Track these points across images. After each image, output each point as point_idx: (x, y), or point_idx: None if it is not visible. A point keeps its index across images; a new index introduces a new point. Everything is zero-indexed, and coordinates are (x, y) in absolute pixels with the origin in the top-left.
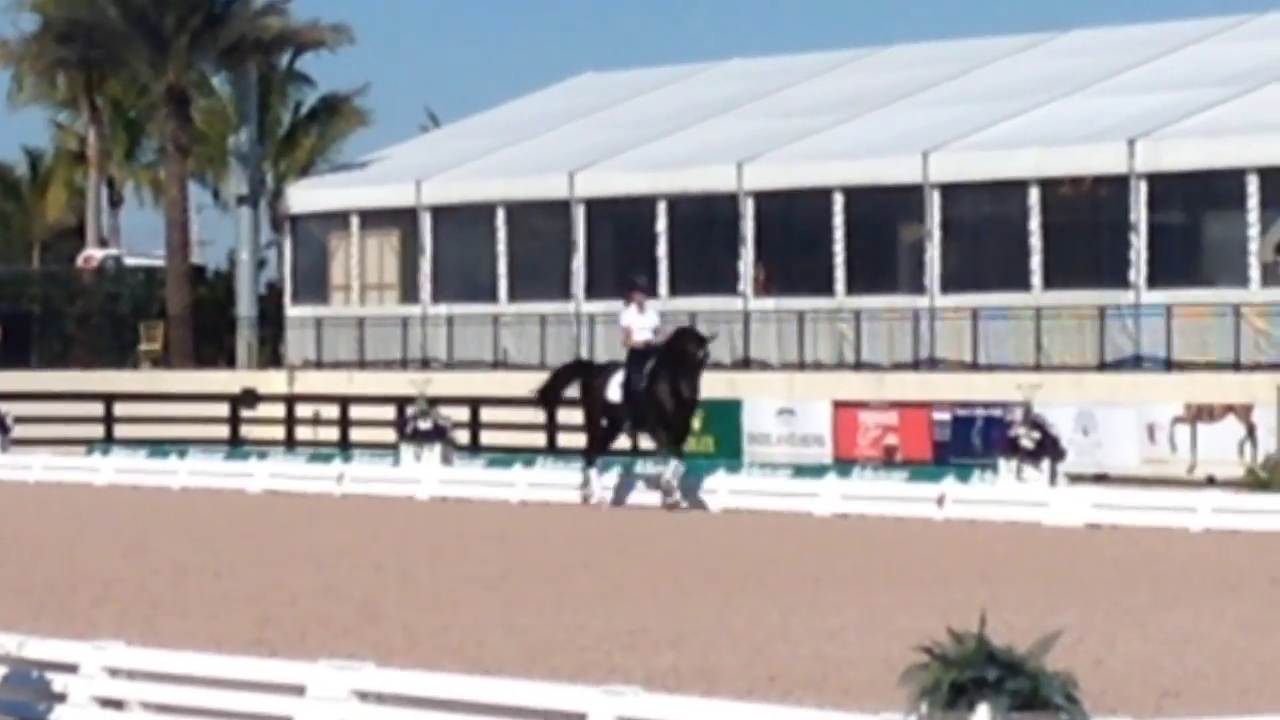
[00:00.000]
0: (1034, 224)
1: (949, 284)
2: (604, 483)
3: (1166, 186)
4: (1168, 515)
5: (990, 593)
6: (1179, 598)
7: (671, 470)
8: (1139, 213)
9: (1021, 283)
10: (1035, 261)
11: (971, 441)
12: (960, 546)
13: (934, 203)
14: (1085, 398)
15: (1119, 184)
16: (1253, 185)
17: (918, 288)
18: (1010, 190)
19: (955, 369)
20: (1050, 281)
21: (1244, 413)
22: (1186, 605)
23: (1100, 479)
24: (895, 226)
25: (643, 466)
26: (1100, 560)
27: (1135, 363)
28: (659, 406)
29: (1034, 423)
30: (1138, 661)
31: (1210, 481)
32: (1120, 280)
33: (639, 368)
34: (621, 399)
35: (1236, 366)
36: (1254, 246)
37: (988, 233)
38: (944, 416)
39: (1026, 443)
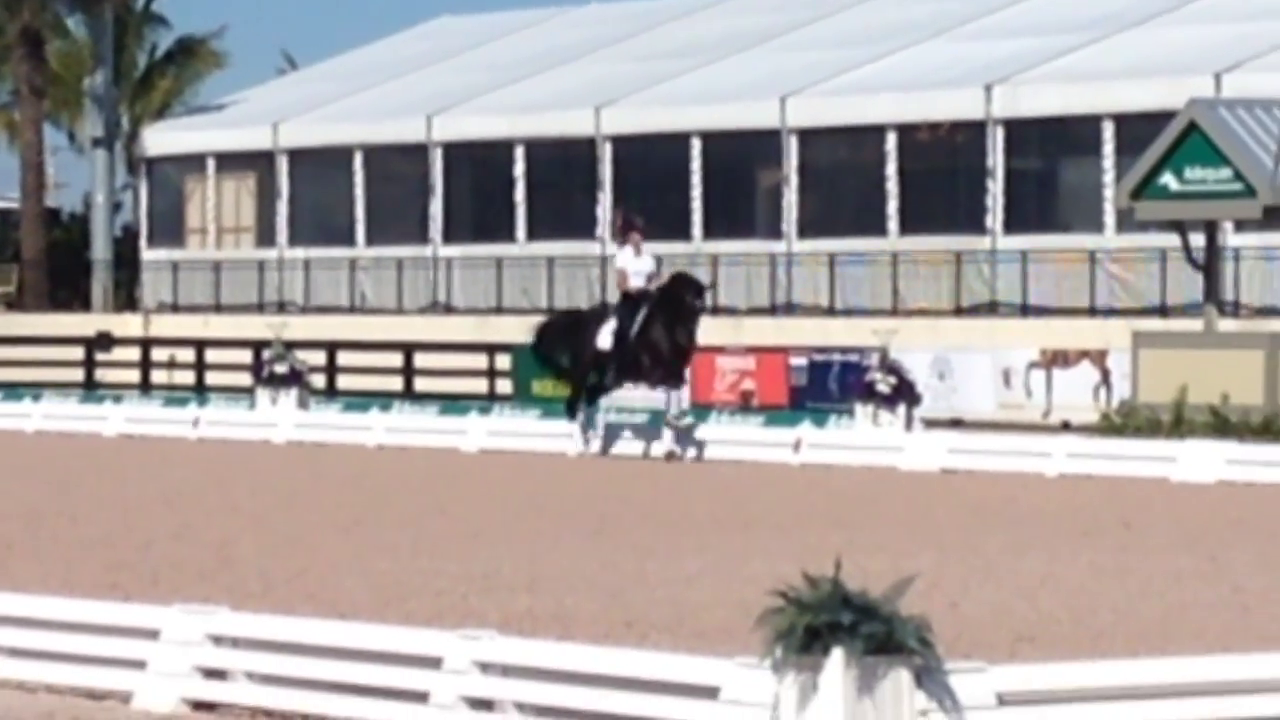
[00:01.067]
0: (891, 169)
1: (806, 229)
2: (593, 430)
3: (1023, 132)
4: (1022, 460)
5: (846, 537)
6: (1033, 542)
7: (675, 405)
8: (995, 159)
9: (878, 228)
10: (892, 207)
11: (828, 386)
12: (816, 491)
13: (791, 148)
14: (941, 343)
15: (976, 130)
16: (1108, 131)
17: (775, 233)
18: (867, 135)
19: (812, 314)
20: (907, 227)
21: (1099, 358)
22: (1040, 550)
23: (956, 424)
24: (753, 171)
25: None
26: (955, 505)
27: (991, 308)
28: (653, 351)
29: (890, 368)
30: (992, 606)
31: (1065, 427)
32: (977, 226)
33: (631, 314)
34: (612, 346)
35: (1092, 312)
36: (1109, 193)
37: (845, 178)
38: (800, 362)
39: (883, 388)
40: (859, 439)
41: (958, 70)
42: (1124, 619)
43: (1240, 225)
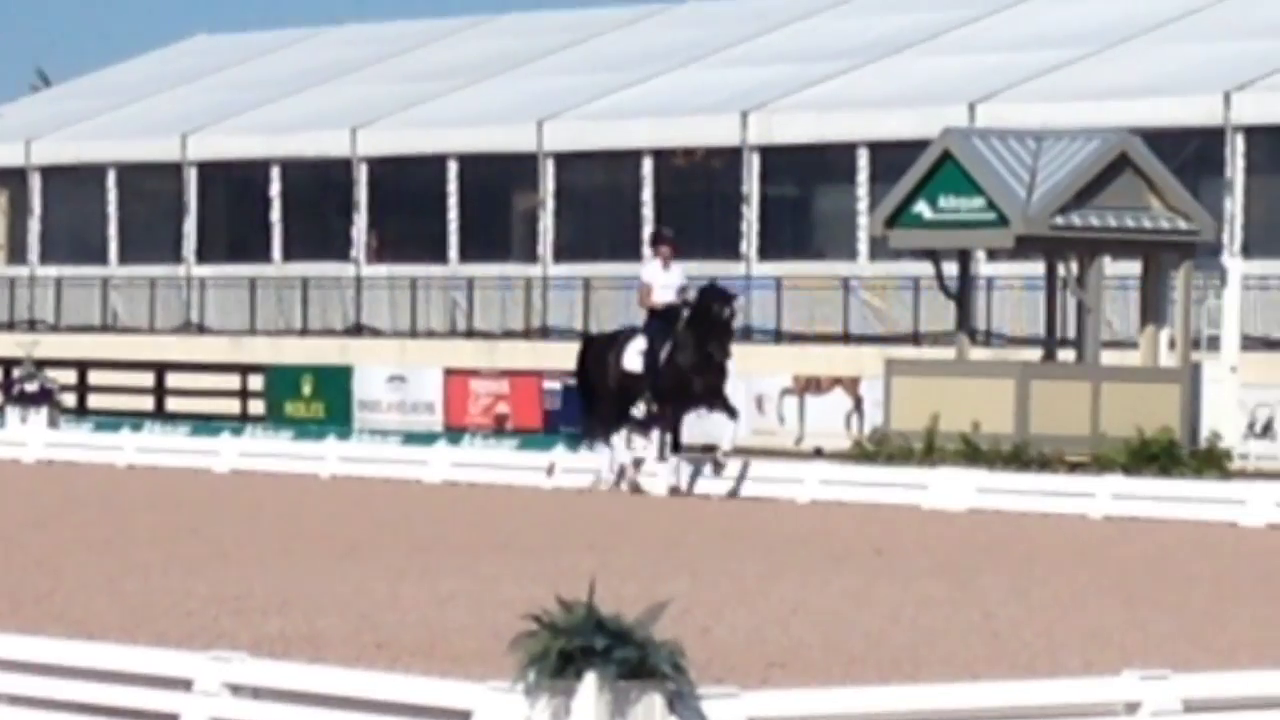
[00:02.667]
0: (647, 194)
1: (562, 253)
2: (616, 458)
3: (778, 159)
4: (775, 486)
5: (599, 561)
6: (786, 568)
7: (729, 438)
8: (751, 185)
9: (634, 253)
10: (647, 231)
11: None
12: (569, 515)
13: (548, 172)
14: None
15: (732, 156)
16: (863, 159)
17: (531, 256)
18: (624, 160)
19: (567, 338)
20: None
21: (852, 385)
22: (793, 576)
23: (709, 449)
24: (509, 195)
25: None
26: (708, 530)
27: (745, 334)
28: (683, 375)
29: None
30: (744, 631)
31: (818, 453)
32: (732, 252)
33: (662, 332)
34: (643, 368)
35: (845, 339)
36: (863, 220)
37: (601, 202)
38: (555, 385)
39: (636, 412)
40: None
41: (714, 96)
42: (876, 645)
43: (993, 254)
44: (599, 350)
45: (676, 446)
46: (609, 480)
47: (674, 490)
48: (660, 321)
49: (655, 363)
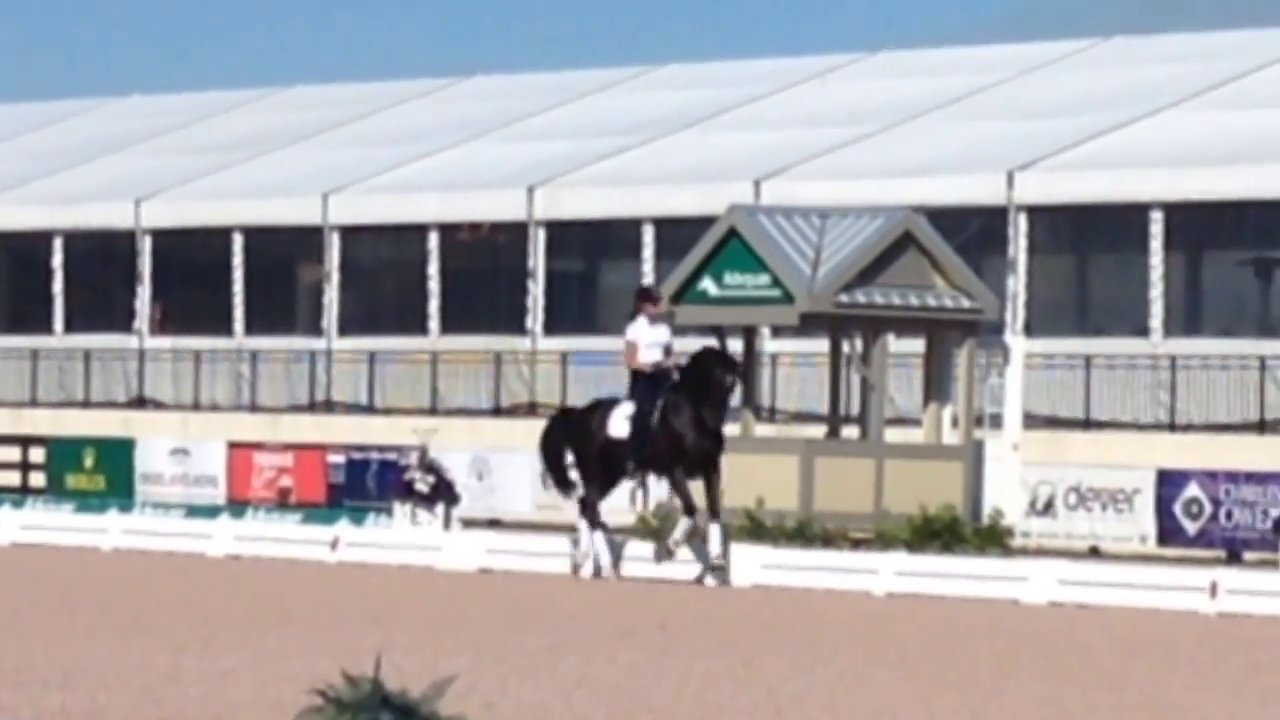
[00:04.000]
0: (433, 268)
1: (347, 326)
2: (597, 544)
3: (564, 234)
4: (560, 561)
5: (384, 636)
6: (570, 643)
7: (715, 540)
8: (537, 259)
9: (419, 327)
10: (433, 306)
11: (367, 485)
12: (354, 589)
13: (334, 244)
14: (480, 443)
15: (518, 230)
16: (649, 235)
17: (315, 330)
18: (410, 234)
19: (351, 412)
20: (448, 326)
21: None
22: (578, 650)
23: (494, 524)
24: (295, 267)
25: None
26: (493, 605)
27: (530, 409)
28: (677, 441)
29: (429, 467)
30: (529, 706)
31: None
32: (517, 326)
33: (649, 394)
34: (629, 433)
35: None
36: None
37: (386, 276)
38: (339, 459)
39: (421, 487)
40: (397, 538)
41: (501, 171)
42: None
43: (777, 331)
44: (579, 420)
45: (690, 509)
46: (608, 565)
47: (713, 569)
48: (648, 383)
49: (645, 427)
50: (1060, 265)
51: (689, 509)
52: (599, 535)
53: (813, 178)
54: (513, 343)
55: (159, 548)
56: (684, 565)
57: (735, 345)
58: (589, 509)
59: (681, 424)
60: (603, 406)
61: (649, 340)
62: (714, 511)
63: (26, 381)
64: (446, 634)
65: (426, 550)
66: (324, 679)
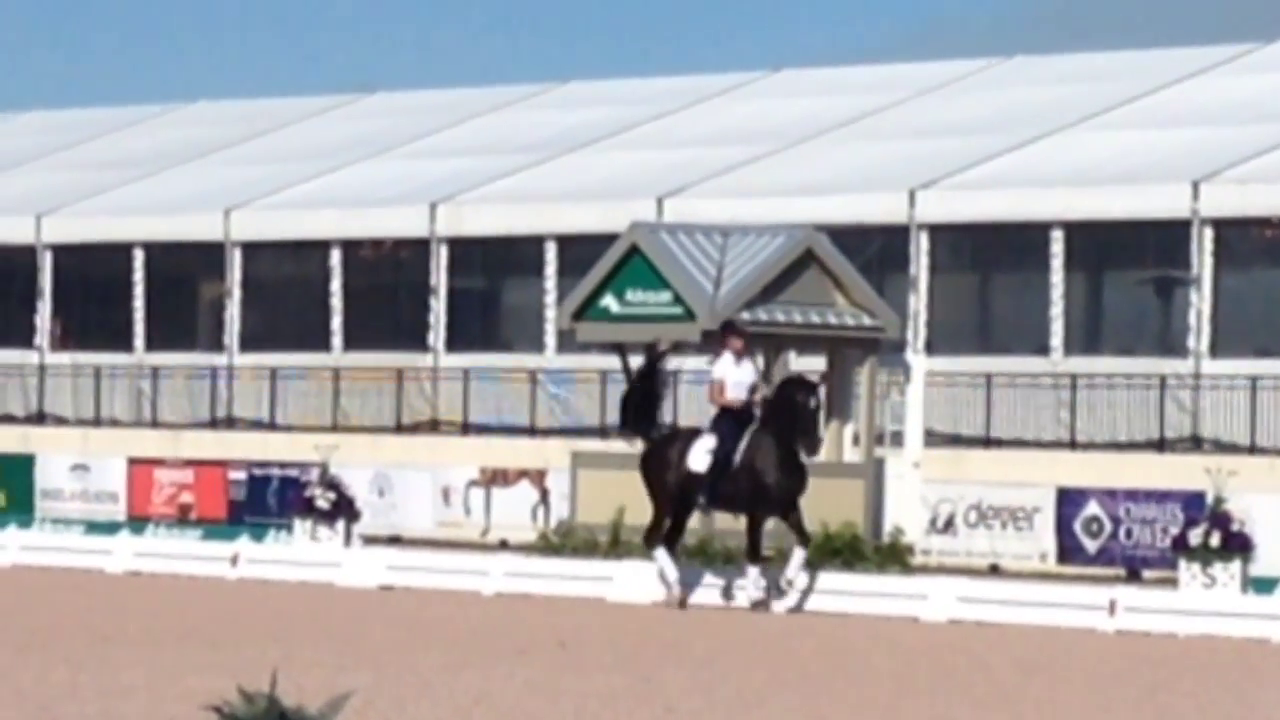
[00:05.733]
0: (335, 285)
1: (248, 343)
2: (672, 575)
3: (466, 251)
4: (461, 578)
5: (282, 653)
6: (470, 660)
7: (795, 564)
8: (439, 277)
9: (321, 343)
10: (336, 322)
11: (267, 501)
12: (253, 606)
13: (235, 261)
14: (381, 459)
15: (420, 247)
16: (551, 252)
17: (217, 345)
18: (312, 250)
19: (253, 428)
20: (350, 343)
21: (538, 478)
22: (477, 668)
23: (395, 541)
24: (196, 284)
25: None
26: (393, 622)
27: (432, 426)
28: (759, 481)
29: (330, 483)
30: None
31: (503, 545)
32: (419, 343)
33: (733, 431)
34: (708, 469)
35: (532, 432)
36: (551, 313)
37: (288, 293)
38: (240, 476)
39: (322, 503)
40: (297, 554)
41: (402, 188)
42: None
43: (679, 348)
44: (659, 448)
45: (757, 556)
46: (677, 594)
47: (758, 604)
48: (732, 421)
49: (726, 464)
50: (961, 284)
51: (756, 555)
52: (669, 562)
53: (715, 195)
54: (415, 359)
55: (58, 564)
56: (580, 582)
57: (637, 362)
58: (655, 534)
59: (765, 463)
60: (682, 437)
61: (735, 379)
62: (802, 537)
63: None
64: (346, 651)
65: (327, 567)
66: (221, 695)
